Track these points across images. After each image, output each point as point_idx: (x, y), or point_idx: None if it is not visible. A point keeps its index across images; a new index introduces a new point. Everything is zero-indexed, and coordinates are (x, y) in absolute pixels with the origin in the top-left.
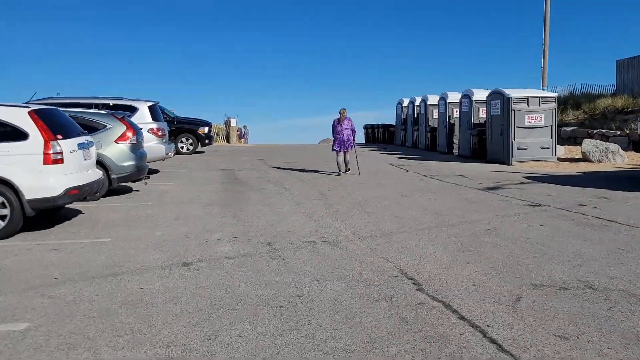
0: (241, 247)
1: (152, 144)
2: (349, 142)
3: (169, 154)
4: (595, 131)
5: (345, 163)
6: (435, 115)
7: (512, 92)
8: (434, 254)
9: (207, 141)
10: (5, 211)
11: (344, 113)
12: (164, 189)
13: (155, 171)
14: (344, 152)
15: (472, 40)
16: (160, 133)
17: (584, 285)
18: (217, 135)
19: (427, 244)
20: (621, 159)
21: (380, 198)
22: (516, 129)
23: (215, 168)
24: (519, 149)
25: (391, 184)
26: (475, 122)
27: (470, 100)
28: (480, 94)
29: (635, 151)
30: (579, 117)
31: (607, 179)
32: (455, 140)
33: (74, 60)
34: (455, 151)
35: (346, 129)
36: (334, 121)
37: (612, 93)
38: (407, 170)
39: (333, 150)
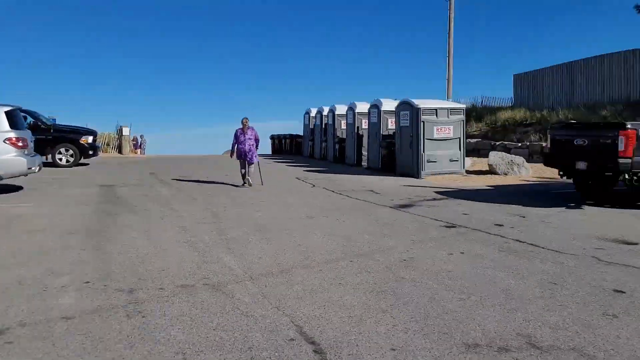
0: (90, 299)
1: (9, 157)
2: (251, 153)
3: (33, 167)
4: (497, 143)
5: (248, 175)
6: (344, 126)
7: (421, 103)
8: (341, 299)
9: (91, 152)
10: None
11: (246, 122)
12: (18, 212)
13: (18, 188)
14: (247, 164)
15: (381, 51)
16: (20, 143)
17: (526, 343)
18: (108, 145)
19: (334, 284)
20: (526, 171)
21: (283, 220)
22: (426, 141)
23: (94, 184)
24: (428, 161)
25: (296, 202)
26: (384, 133)
27: (379, 111)
28: (389, 105)
29: (545, 164)
30: (481, 129)
31: (517, 193)
32: (364, 152)
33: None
34: (364, 163)
35: (249, 139)
36: (237, 131)
37: (510, 106)
38: (314, 185)
39: (238, 159)
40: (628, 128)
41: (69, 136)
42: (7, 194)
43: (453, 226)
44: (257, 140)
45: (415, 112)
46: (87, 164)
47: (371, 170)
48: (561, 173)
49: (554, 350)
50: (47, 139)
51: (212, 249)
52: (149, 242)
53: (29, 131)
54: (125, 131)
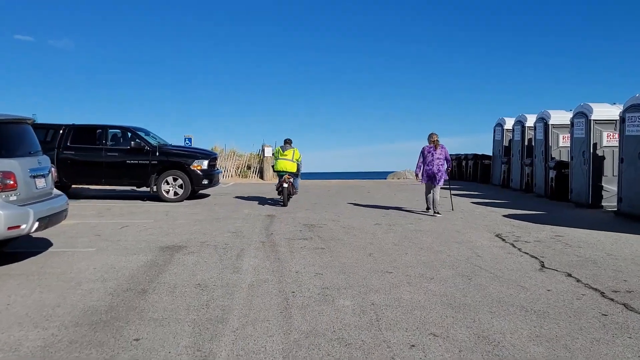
0: None
1: None
2: (440, 174)
3: (24, 225)
4: None
5: (434, 203)
6: (563, 143)
7: None
8: None
9: (205, 181)
10: None
11: (436, 138)
12: None
13: (44, 245)
14: (434, 188)
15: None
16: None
17: None
18: (249, 168)
19: None
20: None
21: None
22: None
23: (160, 243)
24: None
25: (522, 342)
26: None
27: None
28: None
29: None
30: None
31: None
32: (607, 186)
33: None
34: (606, 203)
35: (438, 158)
36: (424, 149)
37: None
38: (542, 265)
39: (422, 181)
40: None
41: (177, 161)
42: None
43: None
44: (447, 161)
45: None
46: (208, 195)
47: (627, 219)
48: None
49: None
50: (152, 164)
51: None
52: None
53: (41, 158)
54: (268, 152)
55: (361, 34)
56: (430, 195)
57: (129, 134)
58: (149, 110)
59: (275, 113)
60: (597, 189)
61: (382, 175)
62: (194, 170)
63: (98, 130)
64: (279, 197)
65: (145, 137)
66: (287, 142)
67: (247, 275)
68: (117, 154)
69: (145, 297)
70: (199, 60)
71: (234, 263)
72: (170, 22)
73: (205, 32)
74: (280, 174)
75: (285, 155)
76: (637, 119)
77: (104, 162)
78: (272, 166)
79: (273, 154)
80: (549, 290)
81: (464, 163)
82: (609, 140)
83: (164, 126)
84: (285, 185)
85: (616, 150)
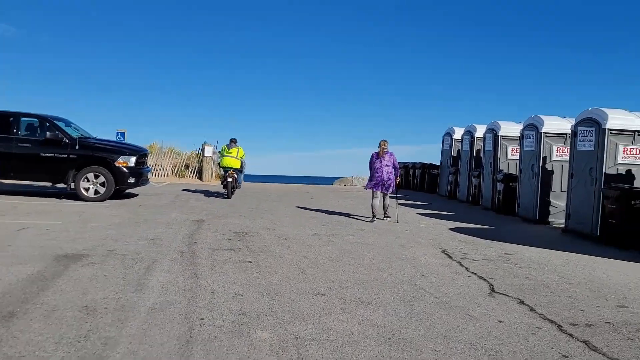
0: None
1: None
2: (389, 182)
3: None
4: None
5: (384, 209)
6: (512, 155)
7: None
8: None
9: (131, 180)
10: None
11: (384, 146)
12: None
13: None
14: (383, 195)
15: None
16: None
17: None
18: (187, 168)
19: None
20: None
21: None
22: None
23: (53, 253)
24: None
25: None
26: (610, 171)
27: (600, 130)
28: (621, 119)
29: None
30: None
31: None
32: (555, 201)
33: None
34: (553, 219)
35: (386, 165)
36: (372, 155)
37: None
38: (492, 289)
39: (368, 188)
40: None
41: (100, 156)
42: None
43: None
44: (396, 168)
45: None
46: (136, 195)
47: (577, 237)
48: None
49: None
50: (71, 158)
51: None
52: None
53: None
54: (208, 151)
55: (311, 37)
56: (377, 203)
57: (47, 124)
58: (88, 105)
59: (220, 113)
60: (545, 204)
61: (329, 180)
62: (118, 167)
63: (10, 118)
64: (224, 190)
65: (65, 128)
66: (233, 141)
67: (151, 295)
68: (29, 145)
69: (10, 323)
70: (137, 55)
71: (139, 278)
72: (118, 14)
73: (148, 25)
74: (225, 169)
75: (231, 152)
76: (589, 134)
77: (13, 153)
78: (218, 163)
79: (219, 152)
80: (500, 322)
81: (411, 172)
82: (558, 154)
83: (105, 122)
84: (230, 180)
85: (565, 164)
